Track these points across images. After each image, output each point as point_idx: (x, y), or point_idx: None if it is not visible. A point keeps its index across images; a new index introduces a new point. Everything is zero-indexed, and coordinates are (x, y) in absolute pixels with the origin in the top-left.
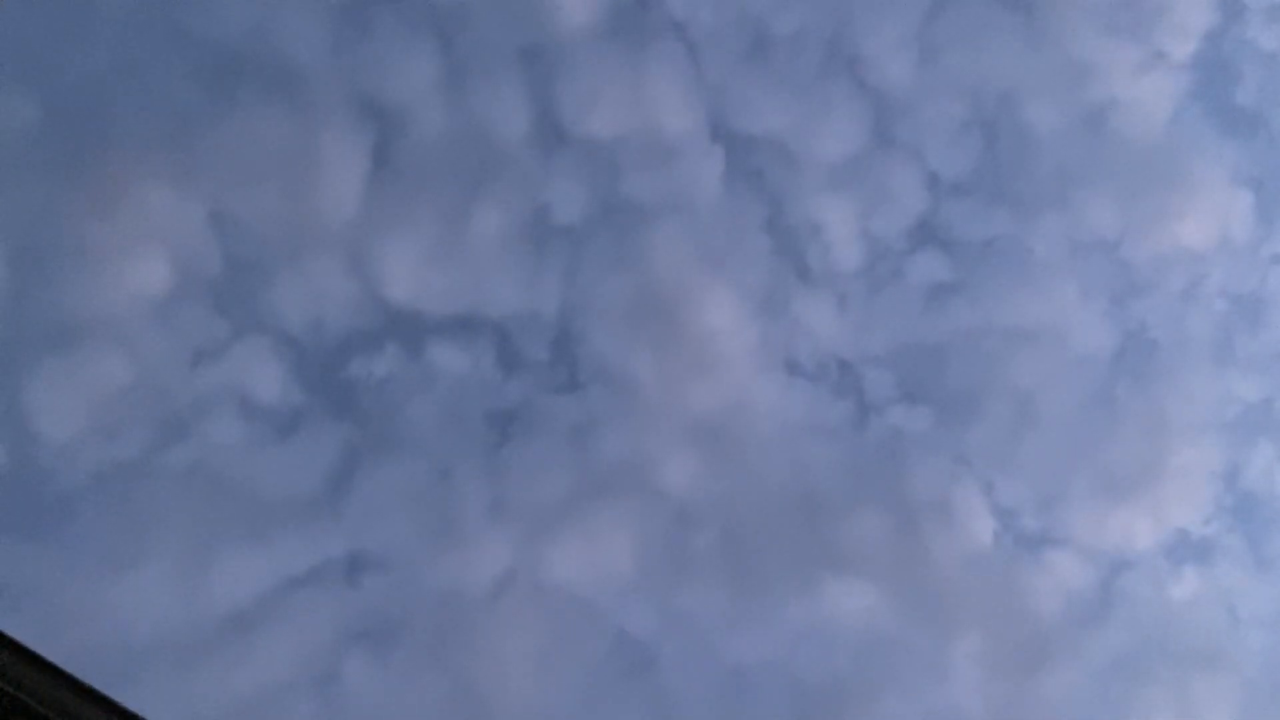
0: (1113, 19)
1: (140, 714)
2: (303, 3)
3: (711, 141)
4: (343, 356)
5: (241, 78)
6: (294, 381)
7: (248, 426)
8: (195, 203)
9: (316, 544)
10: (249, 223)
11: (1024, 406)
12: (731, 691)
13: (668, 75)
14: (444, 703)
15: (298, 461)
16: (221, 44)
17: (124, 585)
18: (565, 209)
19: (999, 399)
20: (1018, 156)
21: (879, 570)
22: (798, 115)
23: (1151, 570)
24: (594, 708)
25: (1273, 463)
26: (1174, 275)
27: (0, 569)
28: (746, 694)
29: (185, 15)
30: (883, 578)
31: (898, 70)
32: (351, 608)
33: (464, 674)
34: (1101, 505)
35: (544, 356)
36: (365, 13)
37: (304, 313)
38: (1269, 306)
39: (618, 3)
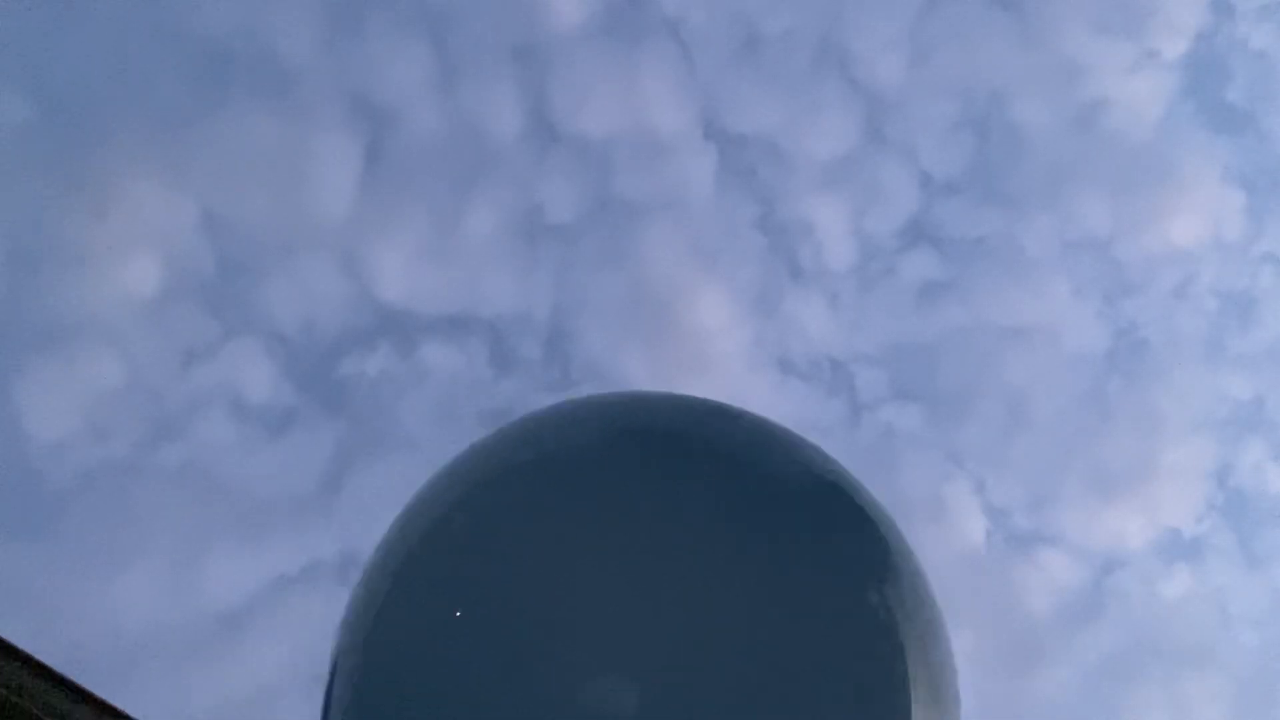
0: (1104, 18)
1: (131, 714)
2: (294, 1)
3: (704, 139)
4: (335, 356)
5: (232, 76)
6: (286, 381)
7: (239, 426)
8: (186, 202)
9: (309, 543)
10: (240, 222)
11: (1015, 405)
12: None
13: (660, 73)
14: None
15: (290, 461)
16: (212, 42)
17: (115, 585)
18: (557, 207)
19: (990, 397)
20: (1009, 155)
21: None
22: (789, 113)
23: (1143, 569)
24: None
25: (1264, 461)
26: (1165, 274)
27: None
28: None
29: (176, 13)
30: None
31: (889, 68)
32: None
33: None
34: (1093, 504)
35: (537, 355)
36: (357, 10)
37: (296, 312)
38: (1260, 305)
39: (610, 1)
